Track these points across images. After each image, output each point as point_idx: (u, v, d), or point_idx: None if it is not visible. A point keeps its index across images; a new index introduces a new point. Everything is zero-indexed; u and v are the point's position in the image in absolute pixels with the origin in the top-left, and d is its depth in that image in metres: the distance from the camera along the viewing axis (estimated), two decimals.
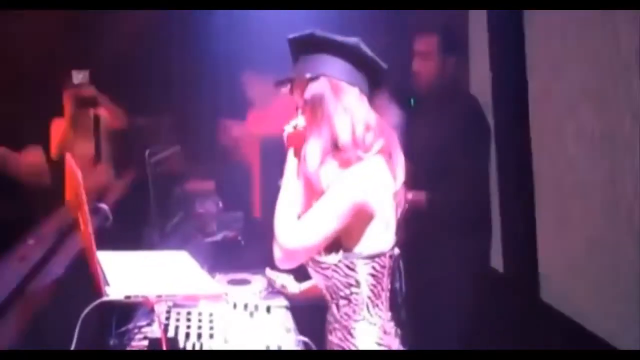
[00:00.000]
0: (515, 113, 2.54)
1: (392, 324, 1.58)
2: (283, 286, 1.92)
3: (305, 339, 1.74)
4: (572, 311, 2.26)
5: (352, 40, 1.53)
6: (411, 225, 1.64)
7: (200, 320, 1.81)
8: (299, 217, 1.53)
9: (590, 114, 2.13)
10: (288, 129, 1.60)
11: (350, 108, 1.51)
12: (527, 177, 2.49)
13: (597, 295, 2.13)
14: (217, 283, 1.97)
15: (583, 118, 2.16)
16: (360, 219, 1.50)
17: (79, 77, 2.63)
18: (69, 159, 1.53)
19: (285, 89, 1.60)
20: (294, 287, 1.90)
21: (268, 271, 1.96)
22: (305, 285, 1.86)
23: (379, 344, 1.53)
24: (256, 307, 1.92)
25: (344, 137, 1.50)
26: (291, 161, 1.60)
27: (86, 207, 1.43)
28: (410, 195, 1.73)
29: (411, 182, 1.61)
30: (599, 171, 2.08)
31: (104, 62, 2.91)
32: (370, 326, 1.54)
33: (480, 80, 2.75)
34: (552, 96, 2.35)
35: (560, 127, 2.29)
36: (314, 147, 1.52)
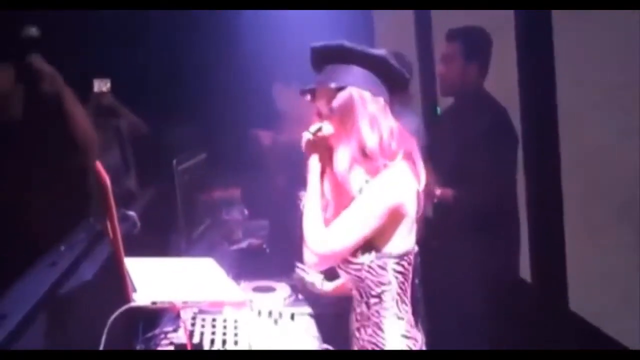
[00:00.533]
0: (543, 117, 2.50)
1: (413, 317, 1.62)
2: (313, 284, 1.94)
3: (329, 347, 1.75)
4: (602, 321, 2.21)
5: (380, 52, 1.56)
6: (429, 226, 1.65)
7: (225, 327, 1.82)
8: (326, 222, 1.57)
9: (621, 121, 2.09)
10: (307, 135, 1.62)
11: (377, 117, 1.56)
12: (556, 184, 2.45)
13: (627, 305, 2.09)
14: (242, 290, 1.99)
15: (613, 125, 2.12)
16: (393, 221, 1.55)
17: (100, 85, 2.61)
18: (98, 166, 1.55)
19: (307, 97, 1.62)
20: (325, 285, 1.92)
21: (297, 269, 1.98)
22: (335, 283, 1.88)
23: (407, 337, 1.59)
24: (280, 315, 1.93)
25: (372, 145, 1.54)
26: (314, 167, 1.63)
27: (115, 214, 1.46)
28: (438, 191, 1.74)
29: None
30: (630, 180, 2.04)
31: (126, 69, 2.90)
32: (399, 320, 1.59)
33: (506, 84, 2.72)
34: (582, 99, 2.31)
35: (591, 134, 2.25)
36: (343, 155, 1.56)
